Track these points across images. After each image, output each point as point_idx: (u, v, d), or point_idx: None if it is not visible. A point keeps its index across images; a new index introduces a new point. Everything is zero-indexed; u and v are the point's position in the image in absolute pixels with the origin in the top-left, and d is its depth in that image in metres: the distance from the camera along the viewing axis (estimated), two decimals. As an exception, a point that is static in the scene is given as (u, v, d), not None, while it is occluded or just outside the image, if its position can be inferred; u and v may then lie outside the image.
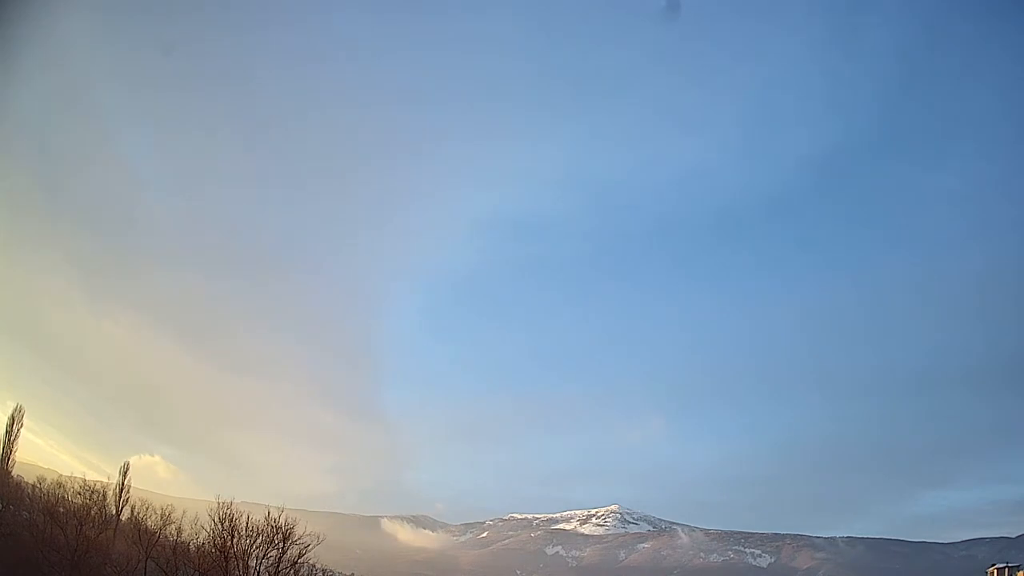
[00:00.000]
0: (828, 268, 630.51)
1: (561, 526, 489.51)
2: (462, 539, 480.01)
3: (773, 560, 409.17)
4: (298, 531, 65.75)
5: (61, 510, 68.92)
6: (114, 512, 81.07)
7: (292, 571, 65.63)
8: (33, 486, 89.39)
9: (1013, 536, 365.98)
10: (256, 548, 63.40)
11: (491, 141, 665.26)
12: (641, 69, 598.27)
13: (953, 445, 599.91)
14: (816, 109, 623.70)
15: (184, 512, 74.59)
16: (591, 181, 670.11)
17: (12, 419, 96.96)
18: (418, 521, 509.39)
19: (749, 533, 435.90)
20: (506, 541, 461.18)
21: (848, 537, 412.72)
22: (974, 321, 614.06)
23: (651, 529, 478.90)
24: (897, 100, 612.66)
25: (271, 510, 66.03)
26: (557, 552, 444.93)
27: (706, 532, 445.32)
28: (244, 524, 63.49)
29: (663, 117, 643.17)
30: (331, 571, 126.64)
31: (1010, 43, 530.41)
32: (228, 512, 62.88)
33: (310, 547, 66.69)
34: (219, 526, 62.41)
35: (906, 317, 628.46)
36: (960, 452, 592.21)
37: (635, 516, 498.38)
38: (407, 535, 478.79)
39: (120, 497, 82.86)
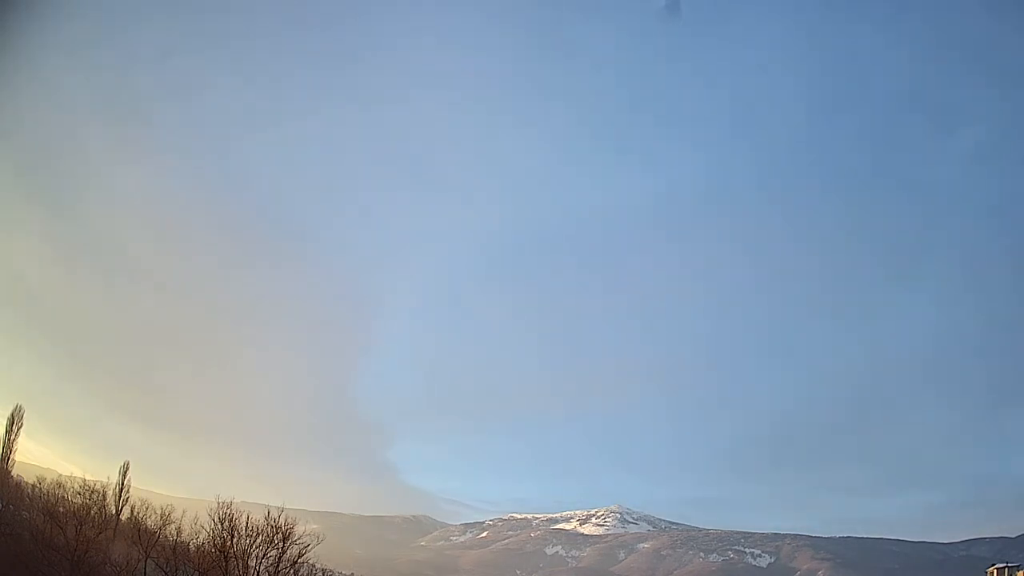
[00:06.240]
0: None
1: (561, 526, 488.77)
2: (462, 539, 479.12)
3: (773, 560, 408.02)
4: (298, 531, 65.82)
5: (61, 510, 68.71)
6: (114, 512, 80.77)
7: (292, 571, 65.60)
8: (33, 486, 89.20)
9: (1013, 536, 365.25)
10: (256, 548, 63.19)
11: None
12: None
13: (949, 443, 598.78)
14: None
15: (184, 512, 74.40)
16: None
17: (12, 419, 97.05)
18: (418, 521, 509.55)
19: (749, 533, 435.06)
20: (506, 541, 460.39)
21: (848, 537, 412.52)
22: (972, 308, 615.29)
23: (651, 529, 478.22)
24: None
25: (271, 510, 65.98)
26: (557, 552, 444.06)
27: (706, 532, 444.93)
28: (244, 524, 63.40)
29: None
30: (331, 571, 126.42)
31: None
32: (228, 512, 62.70)
33: (310, 547, 66.67)
34: (219, 526, 62.23)
35: (899, 302, 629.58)
36: (957, 450, 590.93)
37: (635, 516, 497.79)
38: (407, 535, 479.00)
39: (120, 497, 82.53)
